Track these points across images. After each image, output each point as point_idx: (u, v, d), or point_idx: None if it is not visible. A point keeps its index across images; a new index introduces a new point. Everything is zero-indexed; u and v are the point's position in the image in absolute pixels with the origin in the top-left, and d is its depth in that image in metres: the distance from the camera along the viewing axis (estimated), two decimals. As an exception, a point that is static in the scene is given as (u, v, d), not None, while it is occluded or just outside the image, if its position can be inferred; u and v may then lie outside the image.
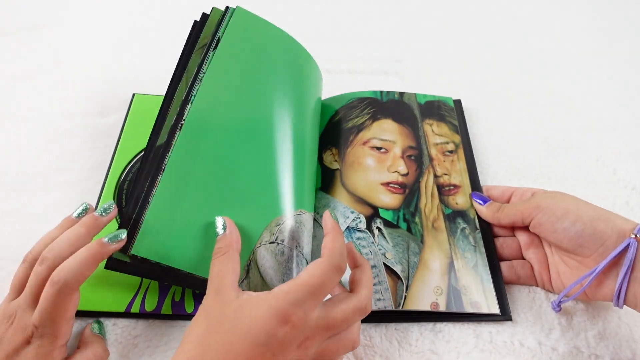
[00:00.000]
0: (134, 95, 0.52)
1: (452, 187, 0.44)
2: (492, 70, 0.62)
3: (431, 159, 0.46)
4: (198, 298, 0.37)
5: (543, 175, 0.49)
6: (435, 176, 0.45)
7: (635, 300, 0.32)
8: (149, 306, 0.37)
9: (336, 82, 0.53)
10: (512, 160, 0.50)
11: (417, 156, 0.46)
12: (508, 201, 0.42)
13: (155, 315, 0.37)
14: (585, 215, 0.34)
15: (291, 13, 0.69)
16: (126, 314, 0.37)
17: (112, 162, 0.46)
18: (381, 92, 0.51)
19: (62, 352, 0.31)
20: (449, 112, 0.51)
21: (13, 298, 0.32)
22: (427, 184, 0.44)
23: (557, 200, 0.36)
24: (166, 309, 0.37)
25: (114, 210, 0.34)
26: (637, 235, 0.32)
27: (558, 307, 0.37)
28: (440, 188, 0.44)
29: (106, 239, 0.32)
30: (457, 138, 0.48)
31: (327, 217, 0.33)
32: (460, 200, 0.43)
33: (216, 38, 0.42)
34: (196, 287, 0.35)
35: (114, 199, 0.43)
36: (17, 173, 0.46)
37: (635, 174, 0.49)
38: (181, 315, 0.37)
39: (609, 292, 0.34)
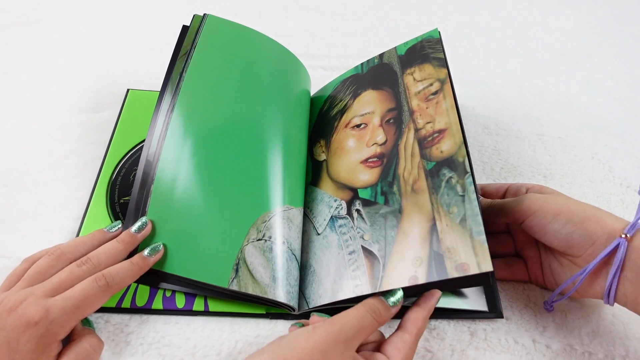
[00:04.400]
0: (128, 90, 0.52)
1: (436, 135, 0.39)
2: (488, 67, 0.62)
3: (412, 112, 0.41)
4: (189, 293, 0.37)
5: (539, 173, 0.49)
6: (417, 130, 0.40)
7: (625, 299, 0.32)
8: (140, 301, 0.37)
9: (331, 79, 0.53)
10: (508, 158, 0.50)
11: (397, 117, 0.42)
12: (502, 197, 0.42)
13: (145, 310, 0.36)
14: (575, 216, 0.34)
15: (287, 10, 0.69)
16: (117, 309, 0.36)
17: (105, 159, 0.46)
18: (362, 64, 0.49)
19: (59, 346, 0.31)
20: (434, 47, 0.44)
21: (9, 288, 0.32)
22: (407, 143, 0.40)
23: (548, 202, 0.35)
24: (157, 304, 0.37)
25: (148, 226, 0.36)
26: (627, 235, 0.32)
27: (551, 307, 0.37)
28: (422, 142, 0.39)
29: (146, 253, 0.35)
30: (443, 73, 0.41)
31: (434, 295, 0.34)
32: (445, 146, 0.37)
33: (194, 45, 0.44)
34: (190, 288, 0.36)
35: (106, 196, 0.43)
36: (9, 169, 0.46)
37: (631, 171, 0.49)
38: (172, 310, 0.36)
39: (599, 290, 0.34)
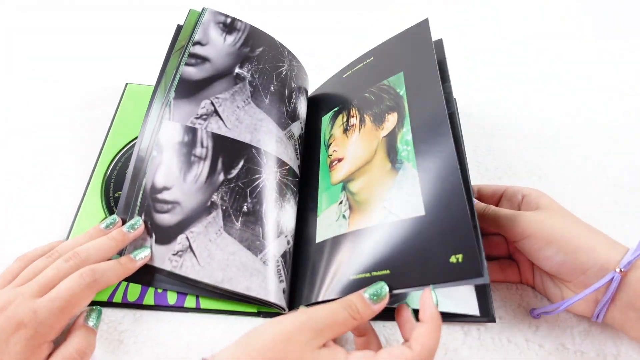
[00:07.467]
0: (126, 84, 0.52)
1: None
2: (485, 68, 0.62)
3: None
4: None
5: (533, 174, 0.49)
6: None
7: (613, 321, 0.33)
8: (132, 296, 0.36)
9: (327, 77, 0.53)
10: (503, 158, 0.50)
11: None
12: (498, 201, 0.41)
13: (137, 306, 0.36)
14: (567, 246, 0.33)
15: (284, 8, 0.69)
16: (108, 304, 0.36)
17: (101, 152, 0.45)
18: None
19: (50, 347, 0.30)
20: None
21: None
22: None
23: (542, 228, 0.34)
24: (148, 299, 0.36)
25: (141, 226, 0.36)
26: (622, 270, 0.31)
27: (537, 315, 0.37)
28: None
29: (133, 256, 0.35)
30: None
31: (427, 300, 0.29)
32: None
33: (192, 40, 0.43)
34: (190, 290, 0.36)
35: (101, 190, 0.43)
36: (2, 166, 0.46)
37: (624, 172, 0.49)
38: (163, 306, 0.36)
39: (588, 311, 0.34)
